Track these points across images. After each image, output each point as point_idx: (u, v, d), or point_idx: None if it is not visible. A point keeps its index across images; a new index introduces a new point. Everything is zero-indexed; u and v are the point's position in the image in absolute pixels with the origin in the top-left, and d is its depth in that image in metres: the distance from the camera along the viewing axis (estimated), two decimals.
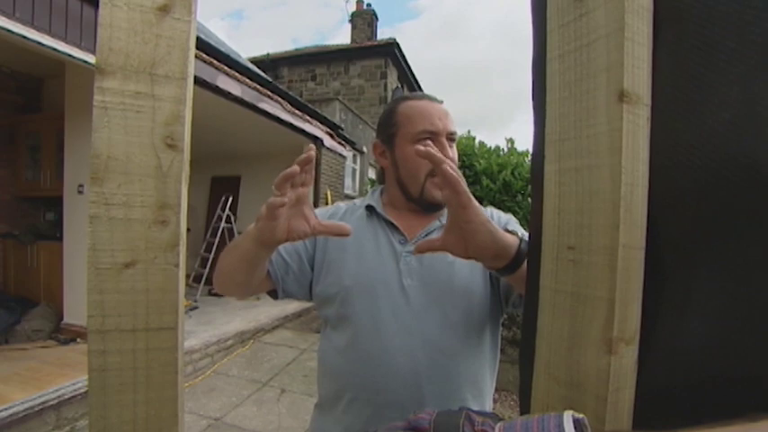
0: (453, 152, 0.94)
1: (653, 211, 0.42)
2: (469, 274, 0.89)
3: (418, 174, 0.93)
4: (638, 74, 0.40)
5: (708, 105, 0.40)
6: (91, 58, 2.89)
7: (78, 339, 3.59)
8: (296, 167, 0.67)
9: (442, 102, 0.97)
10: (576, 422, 0.33)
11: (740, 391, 0.38)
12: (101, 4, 0.39)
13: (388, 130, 0.97)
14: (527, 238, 0.60)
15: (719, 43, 0.39)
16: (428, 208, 0.96)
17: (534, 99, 0.50)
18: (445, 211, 0.78)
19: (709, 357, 0.39)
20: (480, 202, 1.02)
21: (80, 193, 3.63)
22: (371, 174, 9.69)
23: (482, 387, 0.90)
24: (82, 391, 2.79)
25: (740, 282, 0.39)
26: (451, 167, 0.62)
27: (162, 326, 0.41)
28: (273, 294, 0.94)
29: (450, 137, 0.94)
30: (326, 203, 7.05)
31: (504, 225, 0.96)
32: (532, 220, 0.50)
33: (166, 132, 0.40)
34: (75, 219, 3.66)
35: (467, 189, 0.63)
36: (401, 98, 0.99)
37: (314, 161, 0.68)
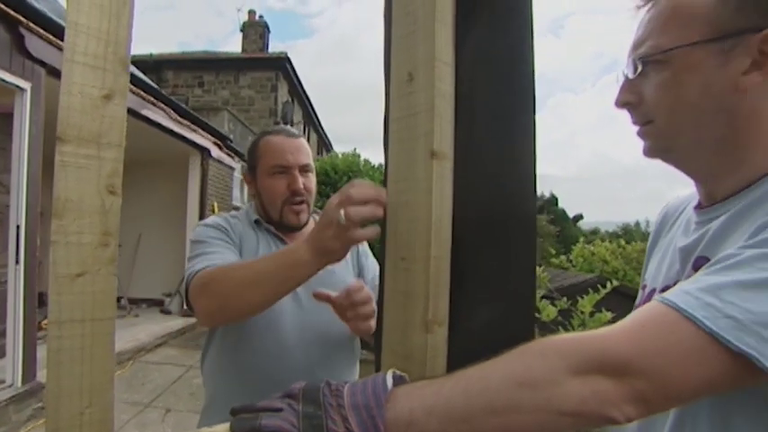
0: (309, 181, 1.10)
1: (455, 232, 0.54)
2: (344, 277, 1.08)
3: (275, 201, 1.08)
4: (444, 138, 0.53)
5: (484, 160, 0.55)
6: None
7: None
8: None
9: (299, 136, 1.14)
10: (396, 377, 0.42)
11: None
12: (61, 92, 0.55)
13: (251, 162, 1.14)
14: None
15: (484, 119, 0.56)
16: (288, 229, 1.12)
17: (384, 146, 0.62)
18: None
19: (489, 329, 0.53)
20: None
21: None
22: None
23: (354, 368, 1.13)
24: None
25: (509, 279, 0.54)
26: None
27: (103, 317, 0.58)
28: None
29: (304, 169, 1.09)
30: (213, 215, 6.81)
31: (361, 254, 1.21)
32: (381, 239, 0.62)
33: (109, 182, 0.58)
34: None
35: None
36: (263, 133, 1.16)
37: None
